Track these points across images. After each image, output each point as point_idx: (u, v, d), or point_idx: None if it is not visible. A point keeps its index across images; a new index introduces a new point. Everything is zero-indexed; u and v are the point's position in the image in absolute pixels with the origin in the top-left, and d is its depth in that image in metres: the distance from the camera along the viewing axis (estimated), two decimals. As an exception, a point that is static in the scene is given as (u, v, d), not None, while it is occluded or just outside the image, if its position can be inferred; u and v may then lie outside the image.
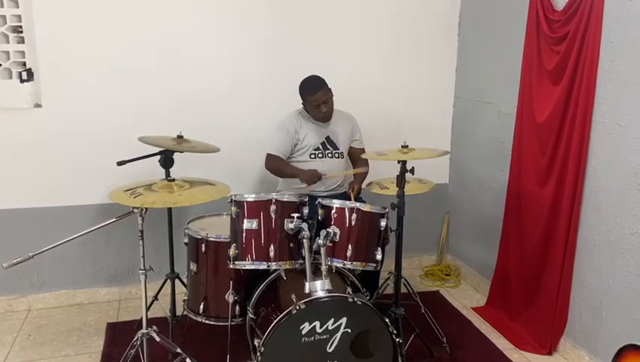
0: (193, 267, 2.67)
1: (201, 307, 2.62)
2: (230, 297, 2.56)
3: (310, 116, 3.15)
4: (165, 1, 3.23)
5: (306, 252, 2.33)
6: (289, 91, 3.19)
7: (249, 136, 3.43)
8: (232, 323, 2.57)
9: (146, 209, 2.30)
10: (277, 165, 3.13)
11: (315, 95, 3.03)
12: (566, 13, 2.70)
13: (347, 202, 2.51)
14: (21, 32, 3.06)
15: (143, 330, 2.42)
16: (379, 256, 2.50)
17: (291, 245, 2.44)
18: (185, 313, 2.78)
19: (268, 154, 3.15)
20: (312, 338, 2.20)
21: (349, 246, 2.44)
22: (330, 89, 3.07)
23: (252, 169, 3.50)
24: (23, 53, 3.08)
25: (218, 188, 2.51)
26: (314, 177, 3.01)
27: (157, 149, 2.75)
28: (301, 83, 3.11)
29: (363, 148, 3.30)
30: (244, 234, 2.43)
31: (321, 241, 2.33)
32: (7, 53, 3.06)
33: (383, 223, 2.51)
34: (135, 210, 2.28)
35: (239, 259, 2.43)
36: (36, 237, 2.77)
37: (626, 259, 2.48)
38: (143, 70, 3.24)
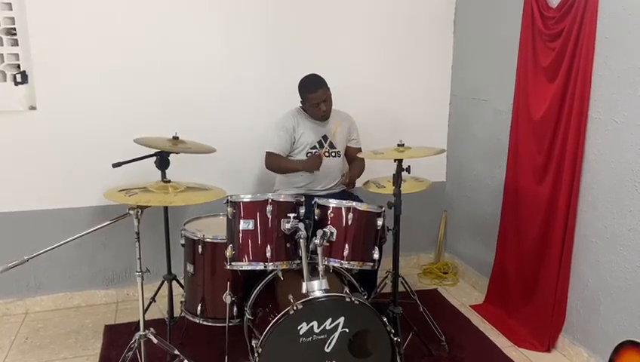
0: (190, 268, 2.67)
1: (199, 308, 2.62)
2: (227, 298, 2.56)
3: (308, 115, 3.15)
4: (160, 1, 3.22)
5: (302, 252, 2.32)
6: (287, 91, 3.19)
7: (246, 137, 3.43)
8: (230, 324, 2.57)
9: (142, 210, 2.29)
10: (278, 162, 3.13)
11: (315, 93, 3.03)
12: (561, 10, 2.70)
13: (344, 201, 2.50)
14: (15, 34, 3.05)
15: (141, 332, 2.42)
16: (376, 255, 2.49)
17: (288, 245, 2.43)
18: (182, 314, 2.78)
19: (267, 152, 3.15)
20: (310, 338, 2.19)
21: (346, 246, 2.43)
22: (329, 88, 3.07)
23: (249, 169, 3.49)
24: (17, 55, 3.06)
25: (214, 191, 2.49)
26: (316, 162, 3.02)
27: (153, 150, 2.74)
28: (301, 81, 3.10)
29: (360, 148, 3.30)
30: (240, 235, 2.42)
31: (317, 241, 2.32)
32: (2, 55, 3.05)
33: (379, 222, 2.50)
34: (131, 212, 2.28)
35: (236, 259, 2.42)
36: (32, 240, 2.76)
37: (623, 256, 2.48)
38: (138, 71, 3.23)
